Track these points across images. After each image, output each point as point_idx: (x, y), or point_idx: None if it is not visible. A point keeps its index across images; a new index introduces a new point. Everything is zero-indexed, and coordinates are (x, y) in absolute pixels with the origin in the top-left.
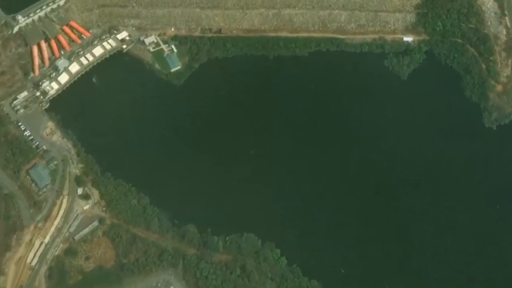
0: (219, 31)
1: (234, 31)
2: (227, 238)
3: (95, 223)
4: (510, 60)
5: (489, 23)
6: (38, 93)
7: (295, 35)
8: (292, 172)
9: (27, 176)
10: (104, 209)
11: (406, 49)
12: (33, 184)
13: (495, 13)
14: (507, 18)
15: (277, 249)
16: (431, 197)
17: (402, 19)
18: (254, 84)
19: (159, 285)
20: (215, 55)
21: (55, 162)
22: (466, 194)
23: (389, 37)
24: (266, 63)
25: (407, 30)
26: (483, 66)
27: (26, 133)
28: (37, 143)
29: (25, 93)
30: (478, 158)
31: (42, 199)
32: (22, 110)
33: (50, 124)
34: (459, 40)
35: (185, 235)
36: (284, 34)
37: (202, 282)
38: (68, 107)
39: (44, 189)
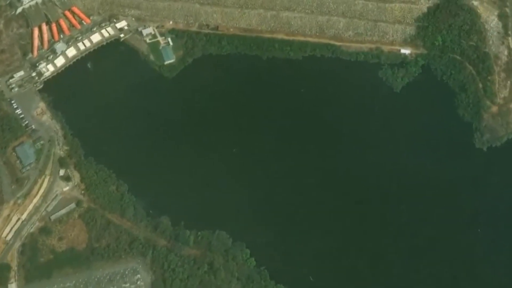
0: (216, 28)
1: (231, 29)
2: (199, 233)
3: (72, 205)
4: (509, 82)
5: (490, 42)
6: (34, 74)
7: (291, 38)
8: (272, 175)
9: (13, 153)
10: (83, 192)
11: (403, 62)
12: (18, 161)
13: (498, 33)
14: (510, 38)
15: (247, 249)
16: (411, 213)
17: (401, 31)
18: (245, 84)
19: (127, 272)
20: (209, 51)
21: (41, 142)
22: (448, 214)
23: (386, 48)
24: (259, 63)
25: (406, 43)
26: (480, 85)
27: (17, 111)
28: (27, 122)
29: (21, 73)
30: (465, 178)
31: (25, 176)
32: (16, 89)
33: (42, 105)
34: (458, 57)
35: (158, 226)
36: (280, 36)
37: (168, 274)
38: (61, 89)
39: (28, 167)
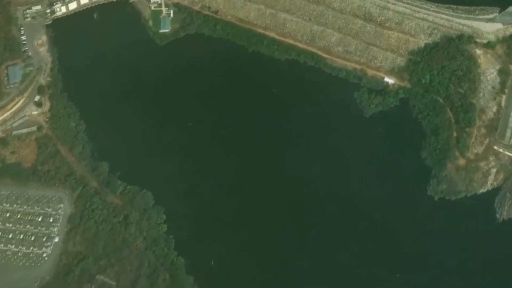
0: (216, 12)
1: (229, 17)
2: (128, 187)
3: (34, 128)
4: (487, 140)
5: (481, 94)
6: (48, 10)
7: (281, 39)
8: (216, 157)
9: (5, 70)
10: (46, 120)
11: (383, 90)
12: (6, 78)
13: (493, 87)
14: (504, 96)
15: (164, 215)
16: (331, 235)
17: (391, 60)
18: (223, 69)
19: (54, 199)
20: (203, 31)
21: (31, 68)
22: (370, 251)
23: (370, 72)
24: (243, 54)
25: (392, 72)
26: (455, 134)
27: (22, 37)
28: (27, 48)
29: (38, 7)
30: (401, 220)
31: (7, 92)
32: (29, 19)
33: (44, 38)
34: (441, 100)
35: (96, 169)
36: (271, 34)
37: (87, 212)
38: (65, 29)
39: (12, 85)
